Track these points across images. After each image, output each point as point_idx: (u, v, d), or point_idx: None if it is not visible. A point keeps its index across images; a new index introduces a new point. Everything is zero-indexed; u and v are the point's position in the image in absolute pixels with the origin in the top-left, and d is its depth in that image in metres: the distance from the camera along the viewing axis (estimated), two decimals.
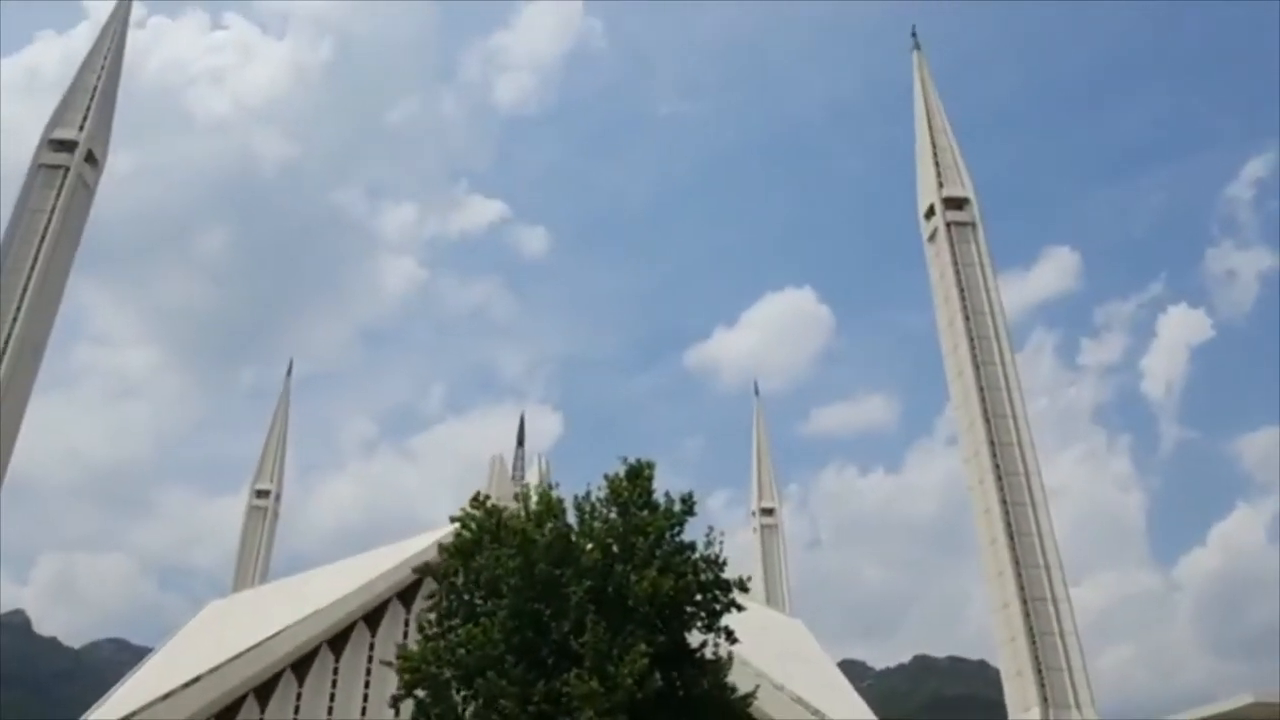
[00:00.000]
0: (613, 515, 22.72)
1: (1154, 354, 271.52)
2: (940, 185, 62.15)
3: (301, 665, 47.25)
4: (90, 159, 52.28)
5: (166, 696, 45.18)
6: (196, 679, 45.16)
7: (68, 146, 51.43)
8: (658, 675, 19.39)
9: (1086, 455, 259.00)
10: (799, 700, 49.35)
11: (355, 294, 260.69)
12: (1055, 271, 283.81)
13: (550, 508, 22.62)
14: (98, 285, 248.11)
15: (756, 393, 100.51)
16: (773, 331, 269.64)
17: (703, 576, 22.33)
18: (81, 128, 51.96)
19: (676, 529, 22.58)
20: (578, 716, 18.84)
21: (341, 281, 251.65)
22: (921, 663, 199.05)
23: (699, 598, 21.86)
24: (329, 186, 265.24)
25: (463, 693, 20.67)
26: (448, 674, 20.59)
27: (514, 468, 70.65)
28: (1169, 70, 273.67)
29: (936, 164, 63.19)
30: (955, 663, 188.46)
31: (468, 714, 20.63)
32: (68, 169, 50.53)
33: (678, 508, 22.59)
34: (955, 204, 62.50)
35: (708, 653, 22.75)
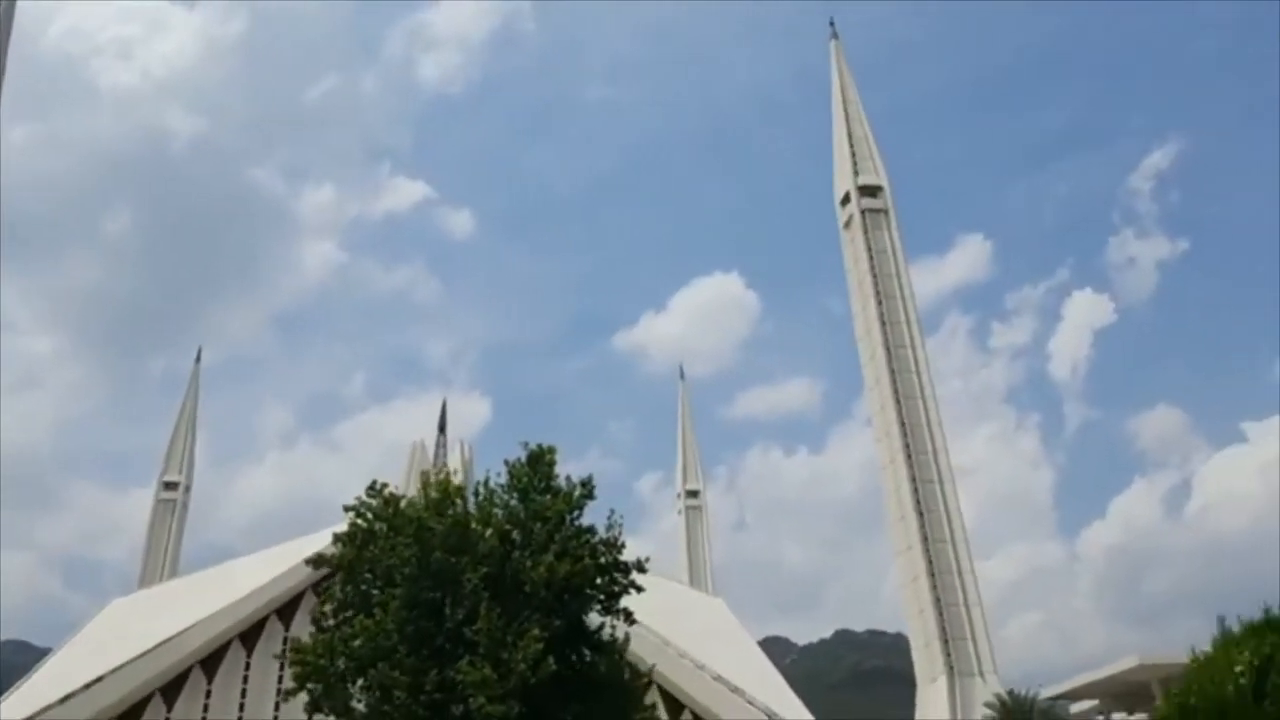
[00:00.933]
0: (513, 501, 22.54)
1: (1060, 337, 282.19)
2: (855, 173, 63.38)
3: (211, 661, 45.97)
4: None
5: (65, 699, 43.49)
6: (98, 679, 43.53)
7: None
8: (551, 659, 19.27)
9: (998, 434, 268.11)
10: (719, 679, 49.95)
11: (272, 278, 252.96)
12: (969, 258, 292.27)
13: (448, 495, 22.28)
14: None
15: (682, 377, 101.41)
16: (700, 316, 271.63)
17: (602, 559, 22.29)
18: None
19: (576, 513, 22.50)
20: (470, 704, 18.67)
21: (258, 265, 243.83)
22: (842, 637, 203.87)
23: (598, 580, 21.81)
24: (243, 165, 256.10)
25: (357, 684, 20.27)
26: (341, 666, 20.13)
27: (435, 454, 69.79)
28: (1080, 66, 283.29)
29: (852, 152, 64.42)
30: (874, 636, 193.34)
31: (362, 705, 20.23)
32: None
33: (577, 492, 22.49)
34: (870, 191, 63.70)
35: (606, 634, 22.73)
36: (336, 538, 22.21)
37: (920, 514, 49.38)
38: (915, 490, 50.20)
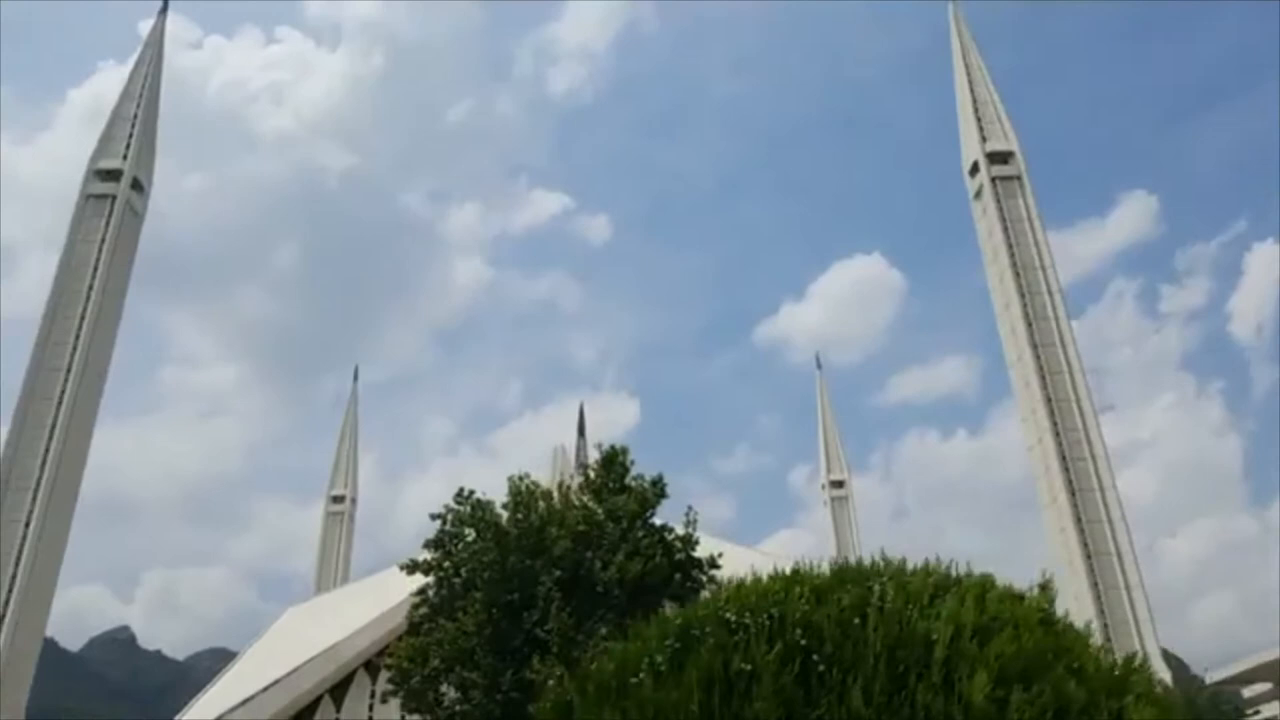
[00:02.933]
0: (589, 502, 22.62)
1: (1241, 294, 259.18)
2: (983, 140, 60.55)
3: (375, 664, 48.41)
4: (136, 185, 54.04)
5: (245, 701, 46.70)
6: (275, 682, 46.53)
7: (114, 175, 53.16)
8: None
9: (1176, 404, 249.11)
10: None
11: (426, 296, 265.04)
12: (1131, 218, 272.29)
13: (521, 499, 22.50)
14: (178, 308, 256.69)
15: (819, 366, 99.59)
16: (842, 301, 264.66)
17: (677, 556, 22.02)
18: (125, 156, 53.65)
19: (650, 512, 22.34)
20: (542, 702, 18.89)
21: (412, 285, 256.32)
22: None
23: (675, 577, 21.53)
24: (392, 193, 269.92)
25: (442, 686, 20.78)
26: (434, 666, 20.70)
27: (576, 457, 71.12)
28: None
29: (978, 118, 61.56)
30: None
31: (446, 706, 20.73)
32: (114, 197, 52.25)
33: (650, 491, 22.34)
34: (1000, 158, 60.61)
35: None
36: (426, 543, 22.87)
37: (1072, 494, 46.67)
38: (1066, 470, 47.48)
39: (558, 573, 20.68)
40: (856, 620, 8.36)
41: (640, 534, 21.41)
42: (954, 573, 9.59)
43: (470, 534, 22.02)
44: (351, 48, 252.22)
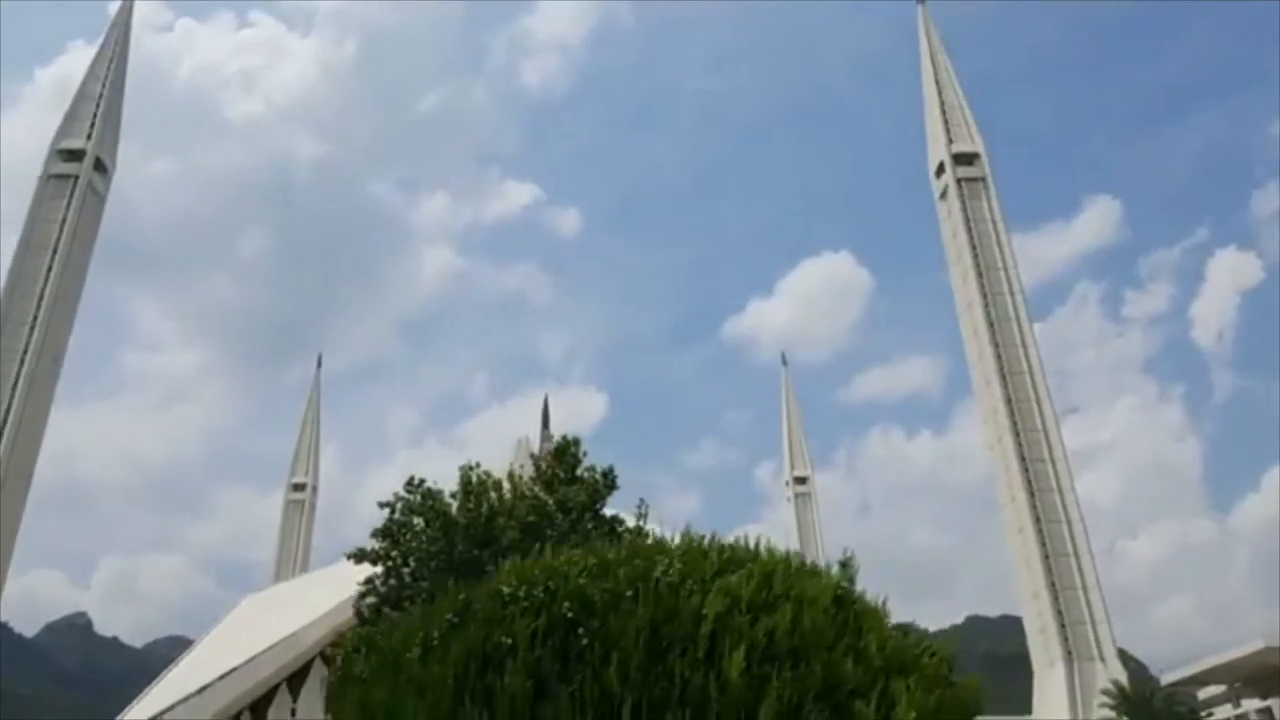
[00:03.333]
0: (540, 493, 22.59)
1: (1203, 301, 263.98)
2: (949, 141, 61.12)
3: (332, 653, 48.04)
4: (99, 166, 53.17)
5: (202, 690, 46.15)
6: (231, 671, 46.04)
7: (76, 156, 52.24)
8: None
9: (1138, 407, 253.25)
10: None
11: (394, 286, 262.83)
12: (1096, 222, 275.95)
13: (471, 489, 22.36)
14: (142, 292, 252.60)
15: (784, 364, 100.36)
16: (810, 298, 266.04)
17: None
18: (89, 136, 52.72)
19: (600, 504, 22.33)
20: None
21: (380, 274, 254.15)
22: (975, 623, 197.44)
23: None
24: (362, 181, 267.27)
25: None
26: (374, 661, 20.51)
27: (539, 449, 71.01)
28: (1206, 6, 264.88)
29: (945, 120, 62.14)
30: (1009, 621, 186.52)
31: None
32: (76, 178, 51.33)
33: (601, 483, 22.35)
34: (965, 159, 61.29)
35: None
36: (374, 532, 22.66)
37: (1031, 494, 47.30)
38: (1025, 470, 48.11)
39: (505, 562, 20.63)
40: (630, 594, 8.22)
41: (589, 525, 21.35)
42: (759, 550, 9.39)
43: (419, 523, 21.83)
44: (324, 34, 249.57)
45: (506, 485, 22.83)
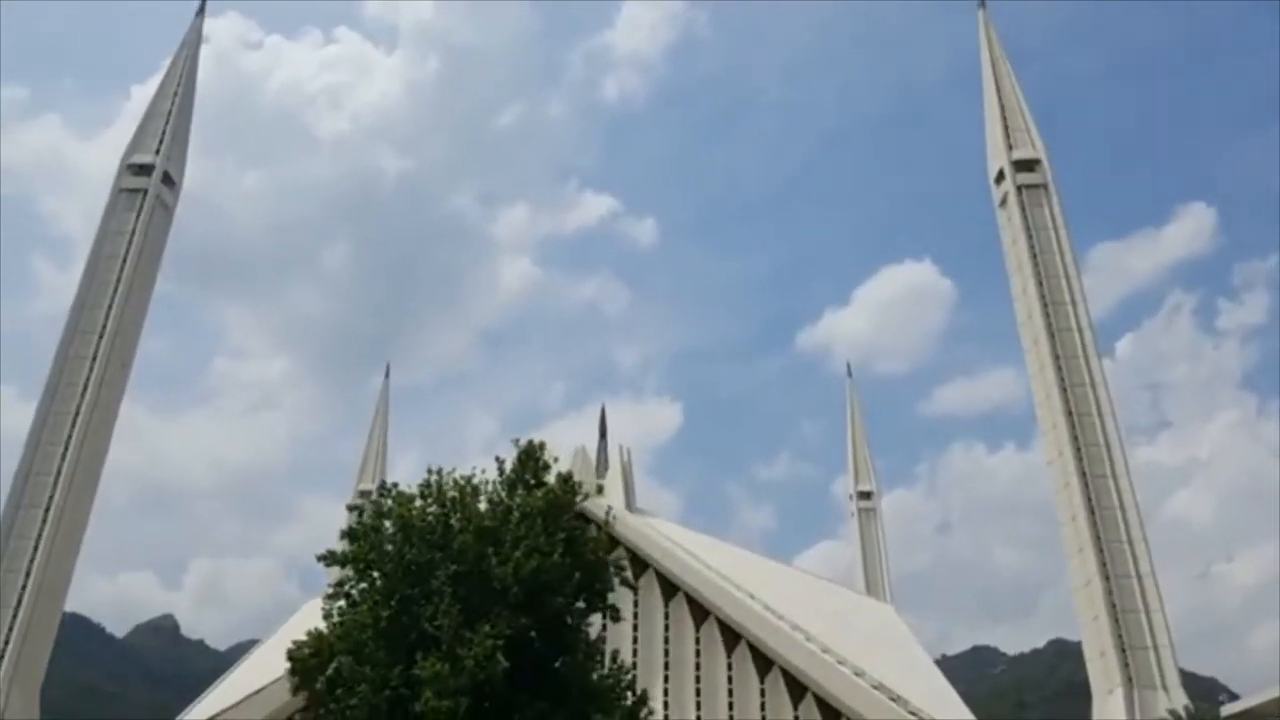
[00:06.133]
0: (505, 496, 22.43)
1: None
2: (1009, 148, 59.50)
3: None
4: (167, 180, 55.29)
5: (256, 693, 47.38)
6: (277, 680, 47.18)
7: (146, 170, 54.44)
8: (501, 656, 18.77)
9: (1237, 423, 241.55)
10: (879, 686, 48.04)
11: (474, 297, 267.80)
12: (1189, 230, 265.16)
13: (429, 491, 22.29)
14: (235, 302, 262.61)
15: (849, 374, 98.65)
16: (889, 308, 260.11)
17: (589, 556, 21.67)
18: (157, 151, 54.91)
19: (568, 512, 22.01)
20: (424, 699, 18.58)
21: (460, 285, 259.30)
22: (1056, 646, 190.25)
23: (577, 576, 21.11)
24: (444, 194, 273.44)
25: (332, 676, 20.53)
26: (336, 660, 20.50)
27: (597, 459, 71.22)
28: None
29: (1005, 125, 60.55)
30: None
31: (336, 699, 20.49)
32: (145, 191, 53.45)
33: (561, 489, 22.01)
34: (1026, 166, 59.35)
35: (591, 634, 22.05)
36: (342, 534, 22.77)
37: (1091, 513, 45.39)
38: (1085, 486, 46.20)
39: (454, 567, 20.50)
40: None
41: (543, 531, 21.08)
42: None
43: (389, 526, 21.93)
44: (407, 50, 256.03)
45: (467, 488, 22.70)
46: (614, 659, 23.50)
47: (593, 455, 69.84)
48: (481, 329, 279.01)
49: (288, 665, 22.16)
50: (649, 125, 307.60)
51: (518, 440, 23.16)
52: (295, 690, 22.31)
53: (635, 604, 50.98)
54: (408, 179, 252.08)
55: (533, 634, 20.44)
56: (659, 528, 59.87)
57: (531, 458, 22.85)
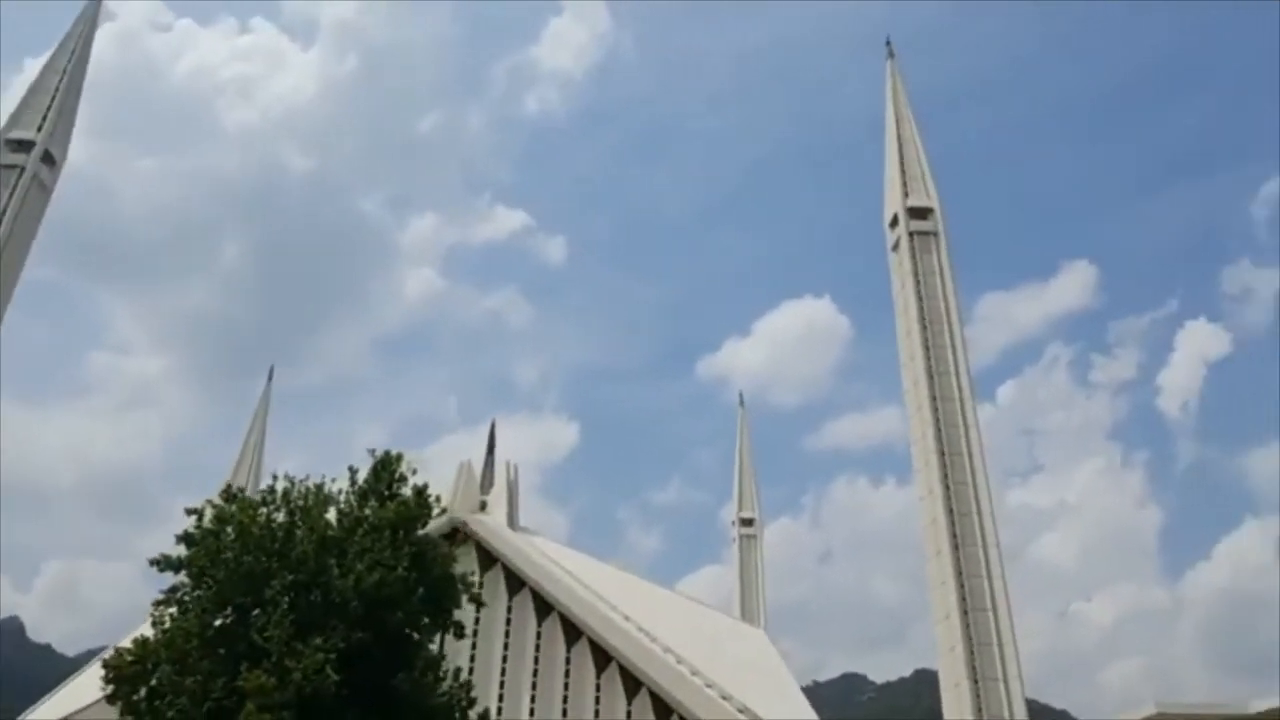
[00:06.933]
0: (353, 508, 22.20)
1: (1171, 370, 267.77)
2: (905, 194, 61.96)
3: None
4: (48, 159, 52.86)
5: (93, 704, 45.06)
6: None
7: (25, 146, 51.92)
8: (330, 671, 18.55)
9: (1103, 471, 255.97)
10: (744, 710, 48.74)
11: (374, 303, 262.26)
12: (1073, 286, 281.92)
13: (271, 498, 21.94)
14: (118, 293, 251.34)
15: (741, 404, 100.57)
16: (787, 341, 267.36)
17: (436, 571, 21.65)
18: (40, 128, 52.47)
19: (419, 525, 21.94)
20: (245, 712, 18.22)
21: (361, 291, 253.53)
22: (923, 676, 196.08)
23: (420, 591, 21.03)
24: (352, 196, 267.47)
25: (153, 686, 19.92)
26: (161, 670, 19.89)
27: (482, 474, 70.48)
28: (1196, 89, 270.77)
29: (903, 173, 63.01)
30: None
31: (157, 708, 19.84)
32: (22, 169, 50.98)
33: (415, 502, 21.93)
34: (919, 214, 61.95)
35: (436, 652, 22.01)
36: (178, 539, 22.10)
37: (955, 548, 47.28)
38: (952, 523, 48.09)
39: (292, 577, 20.13)
40: None
41: (389, 545, 20.88)
42: None
43: (230, 532, 21.36)
44: (326, 47, 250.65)
45: (311, 498, 22.31)
46: (455, 677, 23.25)
47: (479, 471, 69.14)
48: (379, 336, 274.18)
49: (103, 674, 21.16)
50: (568, 143, 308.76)
51: (374, 450, 22.81)
52: (111, 700, 21.24)
53: (508, 622, 50.62)
54: (314, 178, 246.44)
55: (370, 649, 20.05)
56: (540, 546, 59.61)
57: (387, 469, 22.52)
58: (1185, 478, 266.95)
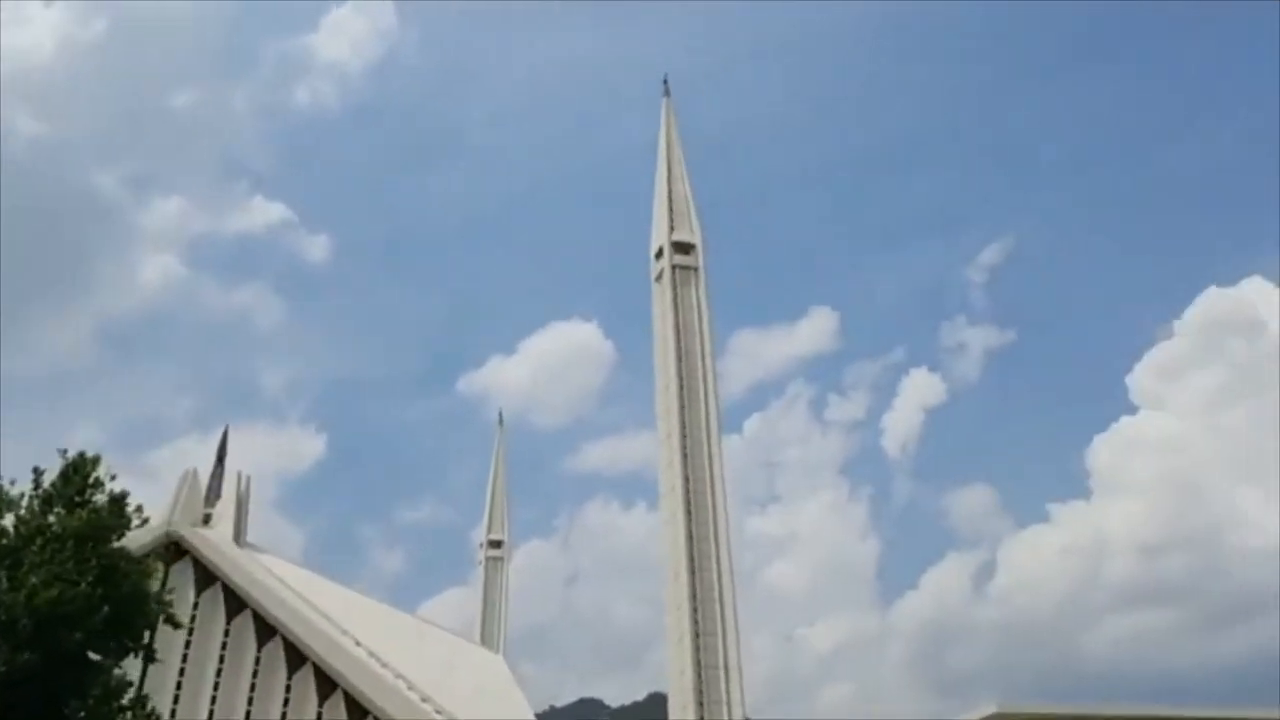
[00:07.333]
0: (38, 513, 19.86)
1: (894, 413, 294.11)
2: (671, 229, 63.96)
3: None
4: None
5: None
6: None
7: None
8: None
9: (832, 504, 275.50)
10: None
11: (101, 287, 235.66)
12: (817, 330, 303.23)
13: None
14: None
15: (500, 423, 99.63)
16: (552, 363, 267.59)
17: (125, 589, 19.73)
18: None
19: (107, 534, 19.91)
20: None
21: (87, 272, 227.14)
22: (656, 700, 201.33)
23: (105, 610, 19.07)
24: (87, 169, 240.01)
25: None
26: None
27: (209, 484, 64.94)
28: (938, 158, 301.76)
29: (670, 208, 65.06)
30: None
31: None
32: None
33: (108, 511, 19.90)
34: (683, 248, 64.28)
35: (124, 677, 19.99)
36: None
37: (693, 572, 48.65)
38: (691, 548, 49.54)
39: None
40: None
41: (73, 557, 18.58)
42: None
43: None
44: (73, 6, 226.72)
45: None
46: (142, 705, 20.80)
47: (205, 481, 63.72)
48: (106, 325, 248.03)
49: None
50: (339, 140, 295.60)
51: (64, 450, 20.08)
52: None
53: (224, 645, 46.67)
54: (44, 145, 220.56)
55: (39, 672, 17.47)
56: (267, 564, 55.65)
57: (79, 472, 19.85)
58: (901, 513, 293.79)
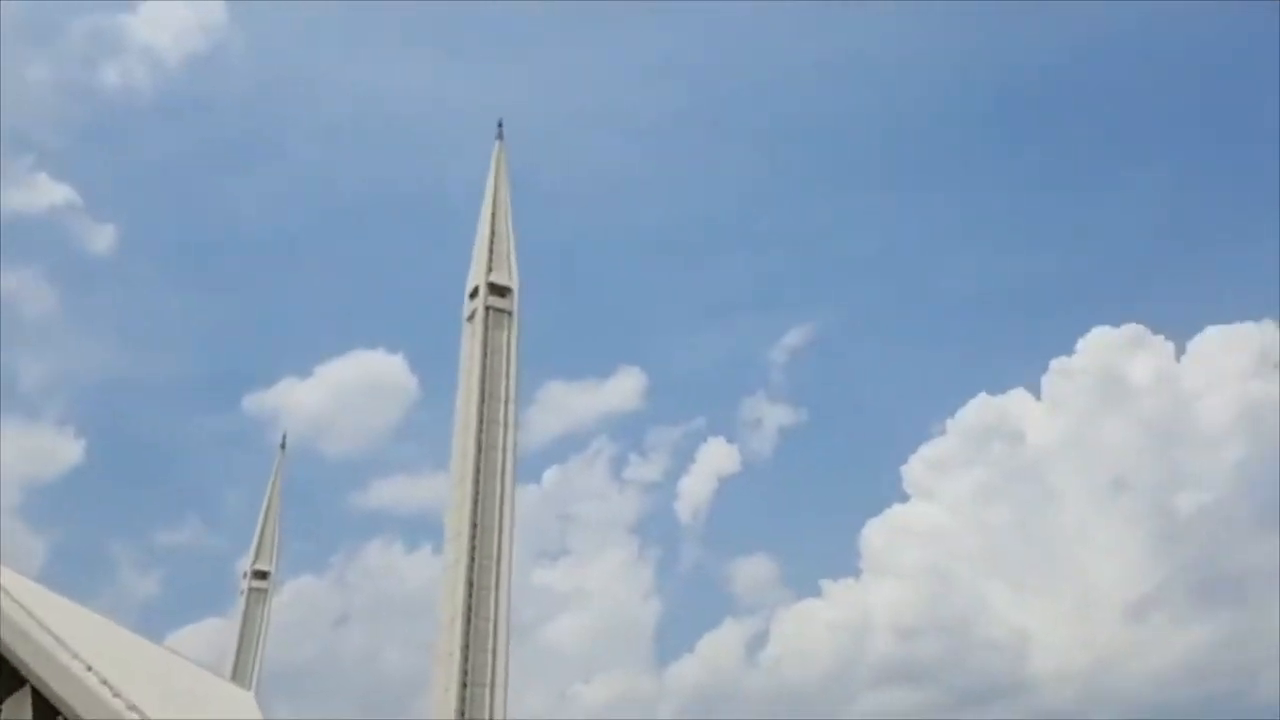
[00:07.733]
0: None
1: (690, 478, 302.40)
2: (489, 269, 63.83)
3: None
4: None
5: None
6: None
7: None
8: None
9: (621, 562, 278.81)
10: None
11: None
12: (625, 388, 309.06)
13: None
14: None
15: (283, 447, 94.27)
16: (350, 391, 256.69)
17: None
18: None
19: None
20: None
21: None
22: None
23: None
24: None
25: None
26: None
27: None
28: (769, 238, 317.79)
29: (491, 249, 64.97)
30: None
31: None
32: None
33: None
34: (499, 291, 64.32)
35: None
36: None
37: (468, 620, 47.64)
38: (470, 595, 48.49)
39: None
40: None
41: None
42: None
43: None
44: None
45: None
46: None
47: None
48: None
49: None
50: (146, 129, 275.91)
51: None
52: None
53: None
54: None
55: None
56: None
57: None
58: (686, 577, 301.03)
